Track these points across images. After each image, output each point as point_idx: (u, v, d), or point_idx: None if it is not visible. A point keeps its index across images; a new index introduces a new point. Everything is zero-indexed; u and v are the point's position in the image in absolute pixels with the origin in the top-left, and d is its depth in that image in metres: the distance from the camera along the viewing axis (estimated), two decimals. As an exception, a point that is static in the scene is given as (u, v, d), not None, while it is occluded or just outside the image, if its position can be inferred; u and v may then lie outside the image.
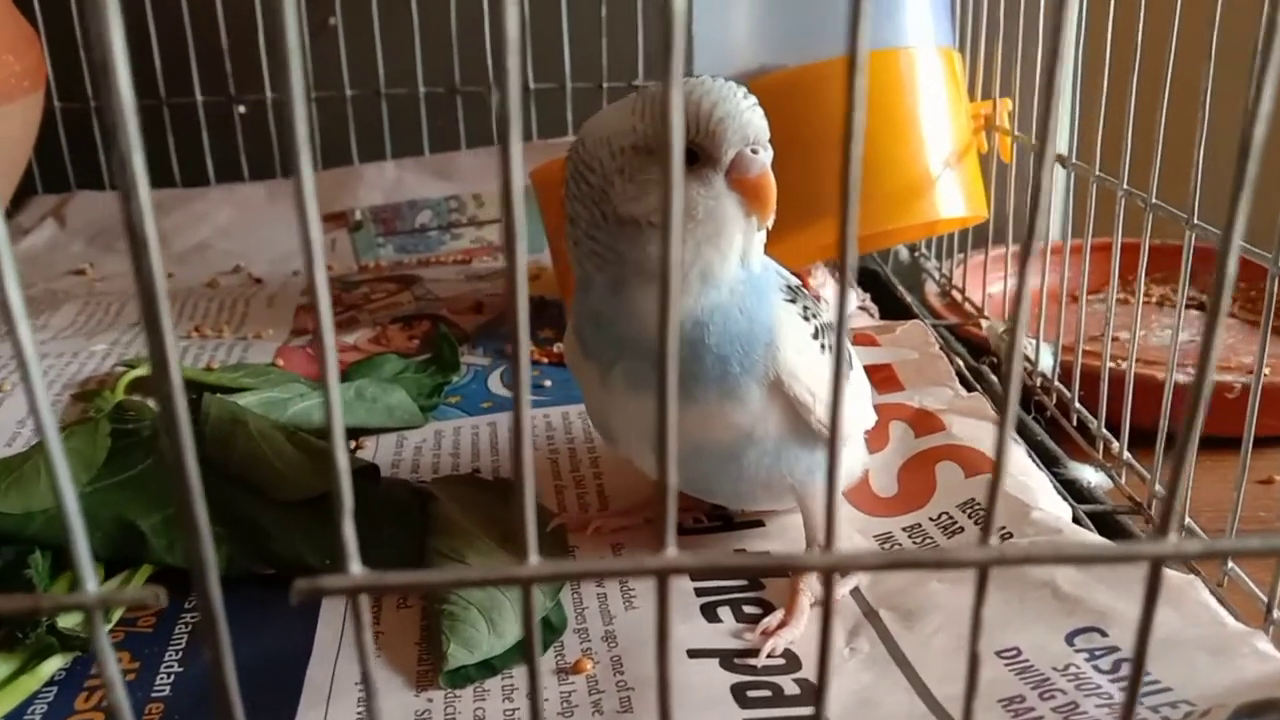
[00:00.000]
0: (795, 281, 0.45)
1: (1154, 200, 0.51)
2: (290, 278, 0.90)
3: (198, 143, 0.99)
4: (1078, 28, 0.67)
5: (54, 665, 0.41)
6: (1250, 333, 0.78)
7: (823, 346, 0.44)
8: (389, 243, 0.97)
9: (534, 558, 0.22)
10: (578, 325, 0.45)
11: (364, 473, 0.49)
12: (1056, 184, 0.65)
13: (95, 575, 0.22)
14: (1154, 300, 0.85)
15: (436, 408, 0.64)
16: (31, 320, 0.77)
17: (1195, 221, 0.47)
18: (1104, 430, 0.58)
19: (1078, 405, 0.61)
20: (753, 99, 0.40)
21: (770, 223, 0.41)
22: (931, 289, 0.88)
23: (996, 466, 0.20)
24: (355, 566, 0.23)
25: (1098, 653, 0.40)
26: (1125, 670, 0.39)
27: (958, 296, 0.82)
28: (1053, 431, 0.62)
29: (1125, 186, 0.54)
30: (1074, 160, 0.60)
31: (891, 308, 0.83)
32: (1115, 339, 0.75)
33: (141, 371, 0.65)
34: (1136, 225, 0.52)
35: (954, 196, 0.70)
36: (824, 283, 0.74)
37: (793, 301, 0.43)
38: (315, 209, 0.18)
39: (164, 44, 0.96)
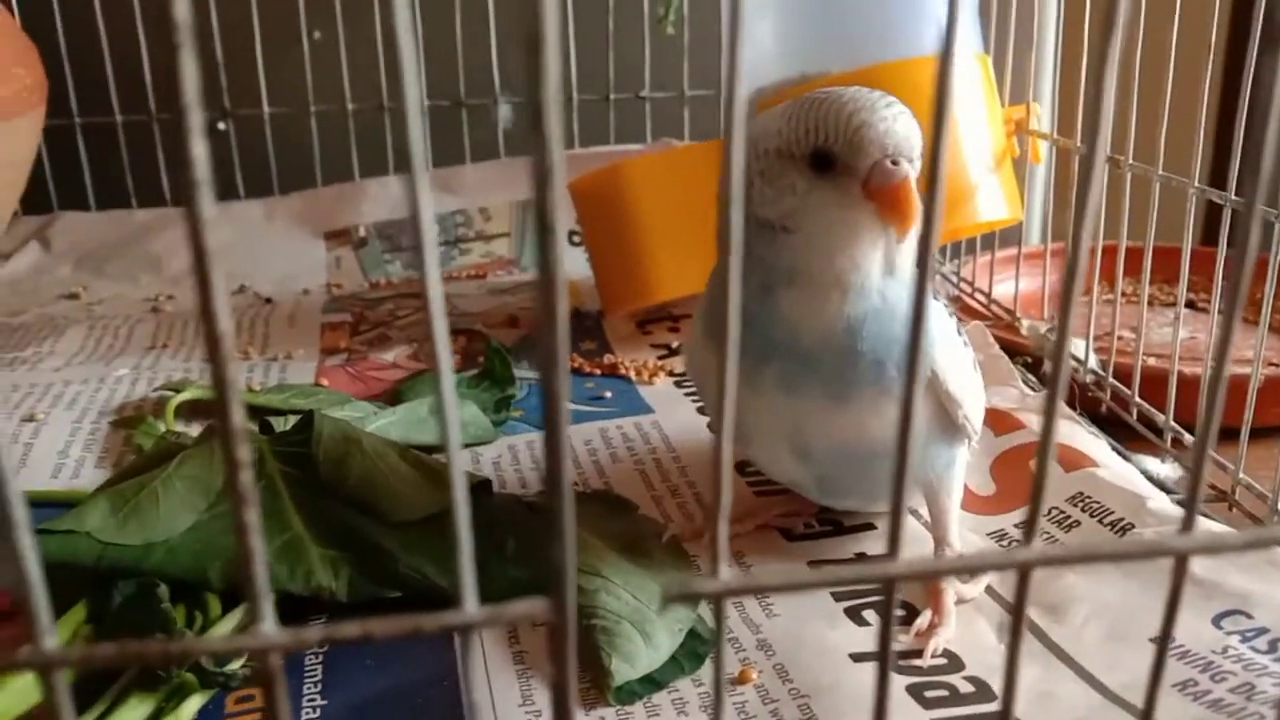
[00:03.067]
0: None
1: (1232, 196, 0.53)
2: (301, 296, 0.88)
3: (191, 160, 0.95)
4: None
5: (194, 706, 0.39)
6: (1248, 329, 0.81)
7: (964, 343, 0.44)
8: (396, 259, 0.95)
9: (904, 555, 0.22)
10: (718, 321, 0.44)
11: (481, 487, 0.47)
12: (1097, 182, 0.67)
13: (474, 592, 0.21)
14: (1158, 301, 0.88)
15: (506, 422, 0.62)
16: (35, 348, 0.73)
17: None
18: (1173, 423, 0.59)
19: (1139, 400, 0.62)
20: (902, 110, 0.40)
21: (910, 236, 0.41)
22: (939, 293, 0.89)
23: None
24: (724, 570, 0.22)
25: (1249, 634, 0.41)
26: (1286, 650, 0.40)
27: (981, 299, 0.84)
28: (1102, 428, 0.63)
29: (1196, 185, 0.55)
30: (1130, 161, 0.61)
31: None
32: (1130, 336, 0.77)
33: (188, 395, 0.62)
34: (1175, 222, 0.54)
35: (996, 199, 0.72)
36: None
37: (936, 298, 0.44)
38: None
39: (154, 56, 0.93)
